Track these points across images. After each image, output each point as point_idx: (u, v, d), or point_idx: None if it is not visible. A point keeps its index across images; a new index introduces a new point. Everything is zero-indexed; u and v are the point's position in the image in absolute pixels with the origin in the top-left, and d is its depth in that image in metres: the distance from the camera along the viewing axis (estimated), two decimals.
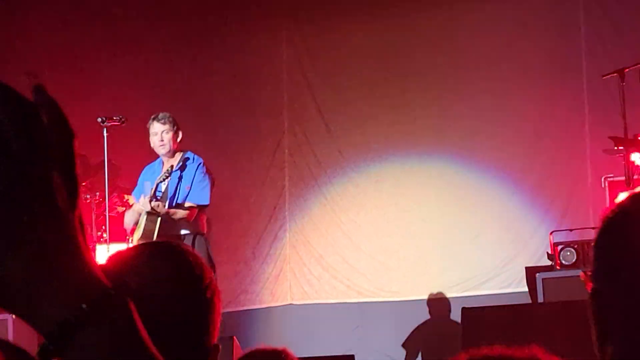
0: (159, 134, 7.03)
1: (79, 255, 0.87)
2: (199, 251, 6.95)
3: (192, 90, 9.98)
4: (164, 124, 7.06)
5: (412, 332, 8.77)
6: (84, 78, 9.93)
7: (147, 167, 7.20)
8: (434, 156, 9.29)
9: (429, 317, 8.81)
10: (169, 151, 7.04)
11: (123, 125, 6.98)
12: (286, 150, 9.80)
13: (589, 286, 1.50)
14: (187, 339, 1.63)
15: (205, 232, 7.09)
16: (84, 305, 0.85)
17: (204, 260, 1.66)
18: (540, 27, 9.05)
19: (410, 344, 8.69)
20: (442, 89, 9.31)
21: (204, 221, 7.09)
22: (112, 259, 1.70)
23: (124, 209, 7.67)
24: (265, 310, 9.46)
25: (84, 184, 7.23)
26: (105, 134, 6.74)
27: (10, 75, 9.88)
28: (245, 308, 9.45)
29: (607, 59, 8.51)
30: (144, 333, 0.88)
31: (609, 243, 1.47)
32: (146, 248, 1.74)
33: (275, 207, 9.72)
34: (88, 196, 7.18)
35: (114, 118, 6.82)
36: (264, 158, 9.81)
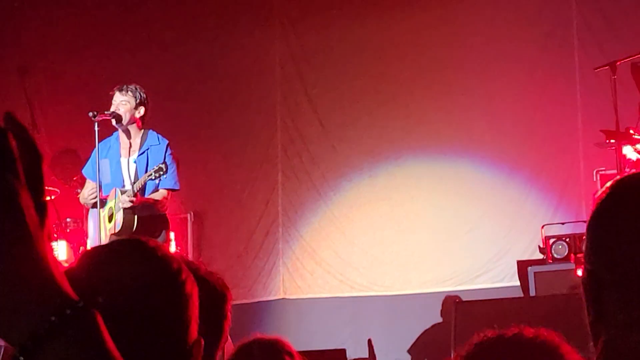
0: (116, 104, 6.72)
1: (47, 270, 0.91)
2: (164, 231, 6.86)
3: (185, 86, 9.98)
4: (124, 94, 6.73)
5: (405, 326, 8.77)
6: (76, 73, 9.91)
7: (102, 143, 6.79)
8: (427, 151, 9.29)
9: (421, 311, 8.81)
10: (124, 124, 6.72)
11: (114, 119, 6.89)
12: (279, 146, 9.79)
13: (581, 269, 1.51)
14: (169, 336, 1.63)
15: (166, 211, 6.90)
16: (53, 318, 0.89)
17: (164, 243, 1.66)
18: (532, 20, 9.05)
19: (402, 338, 8.69)
20: (436, 84, 9.31)
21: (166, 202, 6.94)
22: (83, 260, 1.68)
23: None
24: (258, 305, 9.46)
25: (74, 178, 7.20)
26: (96, 129, 6.67)
27: (2, 70, 9.86)
28: (237, 302, 9.40)
29: (599, 51, 8.51)
30: (111, 344, 0.92)
31: (599, 224, 1.49)
32: (118, 247, 1.73)
33: (268, 202, 9.71)
34: (79, 190, 7.14)
35: (105, 112, 6.74)
36: (257, 153, 9.81)
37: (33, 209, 0.92)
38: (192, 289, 1.68)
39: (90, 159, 7.00)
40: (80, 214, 7.33)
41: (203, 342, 1.67)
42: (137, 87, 6.81)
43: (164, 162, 6.54)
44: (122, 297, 1.55)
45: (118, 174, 6.79)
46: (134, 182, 6.64)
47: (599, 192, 1.54)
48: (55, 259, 0.93)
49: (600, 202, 1.50)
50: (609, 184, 1.54)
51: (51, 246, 0.94)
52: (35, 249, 0.91)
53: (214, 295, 2.24)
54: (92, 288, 1.42)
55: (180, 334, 1.63)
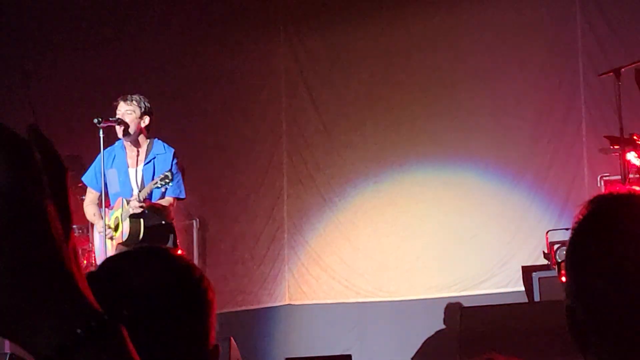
0: (121, 113, 6.71)
1: (73, 283, 0.91)
2: (171, 238, 6.86)
3: (190, 92, 10.00)
4: (129, 104, 6.72)
5: (410, 331, 8.77)
6: (81, 78, 9.93)
7: (105, 151, 6.76)
8: (431, 157, 9.30)
9: (426, 317, 8.82)
10: (130, 135, 6.73)
11: (119, 126, 6.90)
12: (284, 152, 9.81)
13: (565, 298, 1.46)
14: (192, 343, 1.64)
15: (173, 219, 6.91)
16: (79, 331, 0.89)
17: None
18: (537, 26, 9.06)
19: (407, 344, 8.70)
20: (440, 90, 9.32)
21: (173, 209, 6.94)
22: (105, 268, 1.69)
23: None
24: (263, 311, 9.47)
25: (79, 185, 7.20)
26: (101, 135, 6.68)
27: (7, 72, 9.88)
28: (243, 308, 9.46)
29: (603, 58, 8.52)
30: (136, 357, 0.92)
31: (577, 259, 1.44)
32: (139, 255, 1.74)
33: (273, 208, 9.73)
34: (83, 197, 7.15)
35: (110, 119, 6.75)
36: (262, 159, 9.82)
37: (58, 222, 0.92)
38: (213, 296, 1.69)
39: (91, 166, 7.01)
40: (86, 221, 7.34)
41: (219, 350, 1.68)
42: (142, 97, 6.84)
43: (170, 171, 6.56)
44: (145, 306, 1.57)
45: (127, 184, 6.80)
46: (140, 191, 6.67)
47: (574, 220, 1.47)
48: (80, 271, 0.93)
49: (575, 234, 1.44)
50: (584, 206, 1.45)
51: (76, 257, 0.94)
52: (60, 261, 0.91)
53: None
54: (116, 298, 1.46)
55: (202, 341, 1.64)
